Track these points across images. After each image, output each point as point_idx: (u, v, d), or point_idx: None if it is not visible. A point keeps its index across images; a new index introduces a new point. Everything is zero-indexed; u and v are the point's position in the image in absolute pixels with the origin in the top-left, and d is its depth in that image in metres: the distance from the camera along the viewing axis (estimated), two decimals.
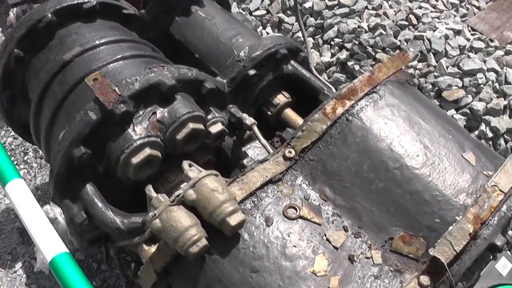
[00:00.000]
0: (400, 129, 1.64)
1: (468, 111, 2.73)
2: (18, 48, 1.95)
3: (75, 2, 2.00)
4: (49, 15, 1.94)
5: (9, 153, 2.64)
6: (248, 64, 1.99)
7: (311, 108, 2.19)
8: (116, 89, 1.58)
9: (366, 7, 3.22)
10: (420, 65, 2.91)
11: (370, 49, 3.02)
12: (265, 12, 3.38)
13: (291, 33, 3.29)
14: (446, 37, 2.98)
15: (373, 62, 3.01)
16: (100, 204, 1.64)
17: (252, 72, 1.99)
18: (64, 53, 1.91)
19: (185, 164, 1.49)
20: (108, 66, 1.82)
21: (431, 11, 3.23)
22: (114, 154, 1.60)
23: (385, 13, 3.15)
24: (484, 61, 2.88)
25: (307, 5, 3.25)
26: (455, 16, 3.27)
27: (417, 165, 1.57)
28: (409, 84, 1.90)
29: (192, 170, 1.45)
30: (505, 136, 2.64)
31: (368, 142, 1.62)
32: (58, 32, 1.99)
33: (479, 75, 2.80)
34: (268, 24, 3.35)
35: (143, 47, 2.04)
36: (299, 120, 2.13)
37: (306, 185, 1.60)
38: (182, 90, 1.75)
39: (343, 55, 3.05)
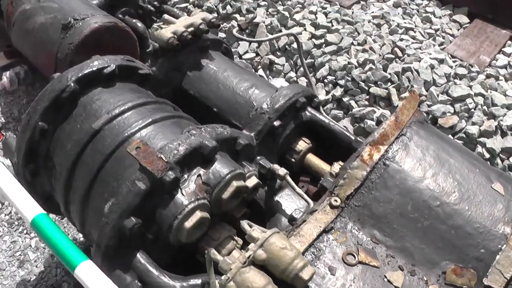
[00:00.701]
0: (433, 169, 1.78)
1: (464, 135, 2.94)
2: (42, 121, 1.96)
3: (96, 68, 2.05)
4: (72, 84, 1.97)
5: None
6: (273, 115, 2.09)
7: (330, 150, 2.33)
8: (162, 156, 1.64)
9: (352, 43, 3.42)
10: None
11: (362, 84, 3.20)
12: (254, 54, 3.53)
13: (282, 73, 3.43)
14: (432, 66, 3.21)
15: (367, 96, 3.19)
16: (155, 272, 1.67)
17: (277, 123, 2.10)
18: (91, 121, 1.95)
19: (245, 224, 1.56)
20: (141, 132, 1.87)
21: (412, 42, 3.47)
22: (166, 221, 1.64)
23: (371, 48, 3.36)
24: (470, 86, 3.12)
25: (295, 45, 3.41)
26: (434, 45, 3.53)
27: (455, 201, 1.71)
28: (426, 121, 2.06)
29: (255, 230, 1.52)
30: (501, 155, 2.86)
31: (407, 184, 1.74)
32: (80, 100, 2.03)
33: (468, 100, 3.03)
34: (259, 67, 3.49)
35: (166, 107, 2.11)
36: (322, 165, 2.24)
37: (357, 231, 1.70)
38: (219, 149, 1.82)
39: (338, 92, 3.21)
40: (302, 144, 2.26)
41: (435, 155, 1.83)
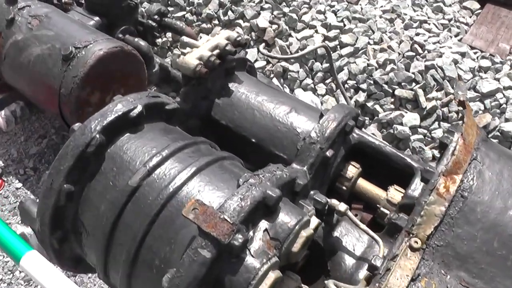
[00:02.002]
0: None
1: (499, 134, 2.85)
2: (68, 183, 1.73)
3: (121, 112, 1.84)
4: (98, 136, 1.75)
5: None
6: (324, 145, 1.94)
7: (379, 172, 2.19)
8: (226, 217, 1.47)
9: (368, 43, 3.28)
10: (439, 95, 3.00)
11: (386, 86, 3.07)
12: (265, 62, 3.35)
13: (298, 81, 3.27)
14: (455, 61, 3.10)
15: (392, 100, 3.07)
16: None
17: (330, 153, 1.95)
18: (125, 176, 1.75)
19: (331, 285, 1.42)
20: (188, 185, 1.69)
21: (429, 36, 3.35)
22: None
23: (389, 47, 3.23)
24: (498, 79, 3.03)
25: (309, 49, 3.25)
26: (451, 37, 3.42)
27: None
28: (488, 138, 1.94)
29: None
30: None
31: (490, 217, 1.63)
32: (108, 152, 1.82)
33: (499, 95, 2.94)
34: (272, 75, 3.32)
35: (205, 148, 1.94)
36: (376, 190, 2.11)
37: (443, 274, 1.57)
38: None
39: (361, 97, 3.08)
40: (353, 170, 2.11)
41: (511, 181, 1.71)
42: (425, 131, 2.96)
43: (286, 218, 1.63)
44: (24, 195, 2.91)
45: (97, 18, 2.98)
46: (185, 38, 2.25)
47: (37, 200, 2.00)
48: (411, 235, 1.62)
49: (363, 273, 1.86)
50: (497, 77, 3.05)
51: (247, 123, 2.16)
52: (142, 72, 2.79)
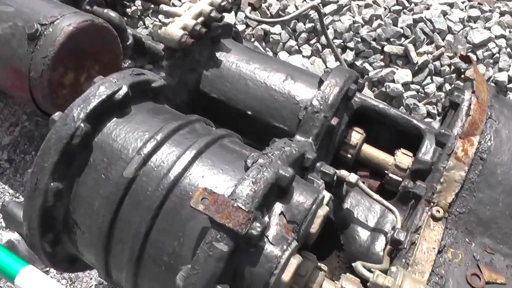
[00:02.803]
0: None
1: (493, 84, 2.79)
2: (54, 180, 1.56)
3: (105, 96, 1.65)
4: (82, 125, 1.57)
5: None
6: (329, 113, 1.83)
7: (381, 137, 2.10)
8: (239, 205, 1.35)
9: None
10: (429, 48, 2.91)
11: (374, 43, 2.95)
12: (244, 26, 3.16)
13: (281, 43, 3.11)
14: (444, 13, 3.00)
15: (382, 57, 2.95)
16: None
17: (335, 121, 1.84)
18: (118, 167, 1.58)
19: (363, 269, 1.35)
20: (190, 171, 1.55)
21: None
22: (259, 280, 1.38)
23: (374, 1, 3.09)
24: (488, 29, 2.94)
25: (290, 9, 3.08)
26: None
27: None
28: (497, 93, 1.86)
29: (379, 275, 1.31)
30: None
31: (511, 179, 1.56)
32: (95, 141, 1.65)
33: (491, 44, 2.87)
34: (253, 39, 3.14)
35: (201, 127, 1.79)
36: (382, 155, 2.03)
37: (468, 243, 1.51)
38: None
39: (349, 56, 2.96)
40: (356, 136, 2.02)
41: None
42: (418, 87, 2.88)
43: (301, 198, 1.52)
44: (1, 190, 2.71)
45: None
46: (164, 7, 2.06)
47: (22, 202, 1.83)
48: (431, 204, 1.55)
49: (379, 245, 1.80)
50: (488, 26, 2.96)
51: (241, 95, 2.02)
52: (116, 46, 2.58)
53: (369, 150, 2.03)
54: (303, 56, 3.01)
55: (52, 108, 2.39)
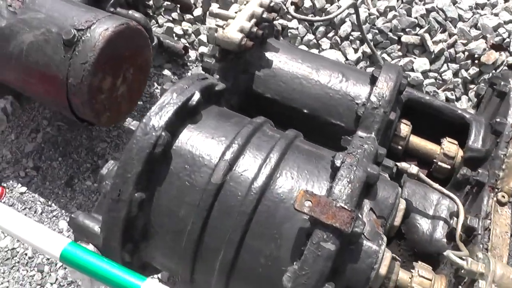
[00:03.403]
0: None
1: (506, 68, 2.92)
2: (138, 190, 1.58)
3: (180, 103, 1.67)
4: (163, 134, 1.59)
5: None
6: (387, 108, 1.89)
7: (427, 126, 2.19)
8: (342, 205, 1.41)
9: None
10: (443, 37, 3.01)
11: (391, 34, 3.03)
12: None
13: (299, 37, 3.15)
14: (454, 1, 3.10)
15: (399, 47, 3.04)
16: None
17: (393, 116, 1.92)
18: (203, 174, 1.61)
19: (454, 257, 1.42)
20: (278, 175, 1.59)
21: None
22: (362, 275, 1.45)
23: None
24: (496, 14, 3.07)
25: (307, 4, 3.12)
26: None
27: None
28: None
29: (472, 262, 1.40)
30: None
31: None
32: (173, 149, 1.66)
33: (501, 30, 3.00)
34: None
35: (270, 129, 1.83)
36: (429, 145, 2.13)
37: None
38: None
39: (368, 48, 3.02)
40: (405, 128, 2.11)
41: None
42: (436, 74, 2.98)
43: (385, 193, 1.60)
44: (32, 200, 2.66)
45: None
46: (214, 9, 2.07)
47: (92, 213, 1.83)
48: (496, 190, 1.65)
49: (440, 232, 1.89)
50: (495, 12, 3.09)
51: (296, 94, 2.06)
52: (148, 48, 2.57)
53: (416, 140, 2.13)
54: (321, 49, 3.07)
55: (90, 114, 2.37)
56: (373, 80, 2.00)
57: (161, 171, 1.64)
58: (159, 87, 3.10)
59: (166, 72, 3.18)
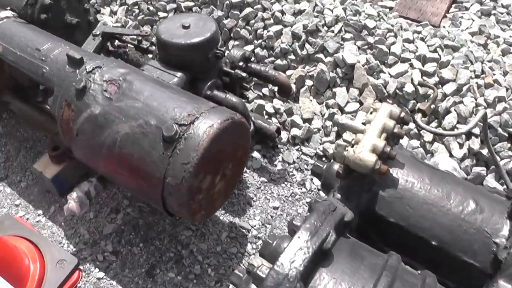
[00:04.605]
0: None
1: None
2: None
3: (316, 246, 1.53)
4: (298, 285, 1.45)
5: None
6: None
7: None
8: None
9: (470, 77, 2.95)
10: None
11: (500, 130, 2.77)
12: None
13: None
14: None
15: (510, 145, 2.76)
16: None
17: None
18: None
19: None
20: None
21: None
22: None
23: (495, 81, 2.91)
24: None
25: (407, 88, 2.89)
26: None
27: None
28: None
29: None
30: None
31: None
32: None
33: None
34: None
35: (406, 272, 1.62)
36: None
37: None
38: None
39: (475, 144, 2.78)
40: None
41: None
42: None
43: None
44: (109, 287, 2.48)
45: (180, 74, 2.51)
46: (341, 119, 1.87)
47: None
48: None
49: None
50: None
51: (426, 222, 1.82)
52: (248, 140, 2.38)
53: None
54: (424, 142, 2.82)
55: (186, 214, 2.19)
56: (511, 214, 1.75)
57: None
58: (247, 171, 2.90)
59: (256, 154, 2.99)
